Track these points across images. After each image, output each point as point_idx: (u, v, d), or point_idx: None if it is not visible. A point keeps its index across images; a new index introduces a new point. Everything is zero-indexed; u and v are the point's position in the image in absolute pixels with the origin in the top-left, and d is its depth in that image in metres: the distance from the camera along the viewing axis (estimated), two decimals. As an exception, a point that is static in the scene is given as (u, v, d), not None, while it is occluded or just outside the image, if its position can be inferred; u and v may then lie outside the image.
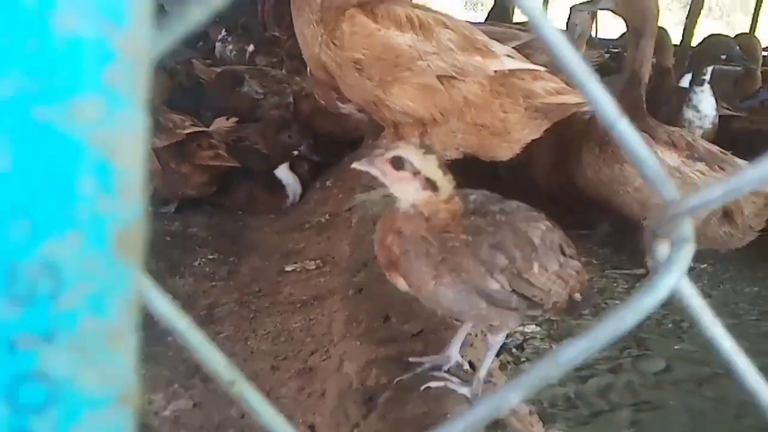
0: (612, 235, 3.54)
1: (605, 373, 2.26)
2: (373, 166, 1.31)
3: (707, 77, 3.64)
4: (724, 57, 3.76)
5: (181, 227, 3.42)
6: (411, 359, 1.52)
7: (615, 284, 3.01)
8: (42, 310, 0.26)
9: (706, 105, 3.70)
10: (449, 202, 1.34)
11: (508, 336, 2.42)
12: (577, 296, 1.51)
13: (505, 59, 2.22)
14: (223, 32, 6.27)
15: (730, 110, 4.18)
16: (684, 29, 6.70)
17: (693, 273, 3.14)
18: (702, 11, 7.14)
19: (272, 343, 2.35)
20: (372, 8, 2.15)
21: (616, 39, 7.04)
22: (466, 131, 2.25)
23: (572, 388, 2.15)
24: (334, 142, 4.19)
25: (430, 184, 1.31)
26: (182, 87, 4.99)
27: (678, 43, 6.11)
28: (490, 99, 2.22)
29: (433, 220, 1.32)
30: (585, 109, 2.84)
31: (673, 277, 0.42)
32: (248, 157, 3.81)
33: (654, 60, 4.43)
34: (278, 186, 3.77)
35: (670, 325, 2.66)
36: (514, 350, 2.33)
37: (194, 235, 3.36)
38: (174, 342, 2.43)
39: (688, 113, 3.70)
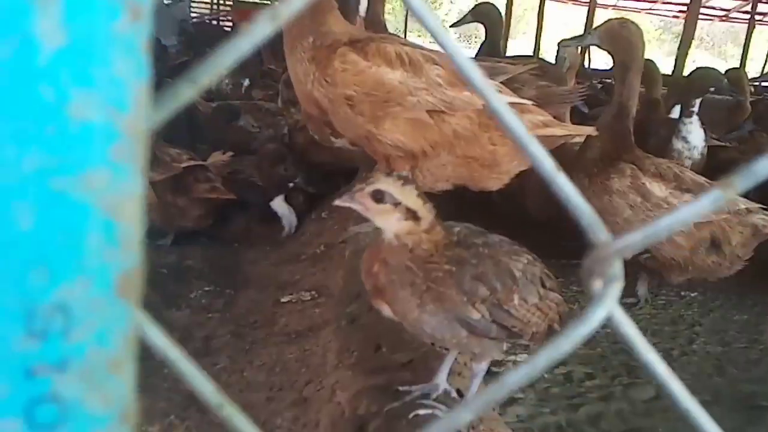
0: (603, 264, 3.58)
1: (596, 401, 2.30)
2: (354, 201, 1.36)
3: (696, 109, 3.72)
4: (712, 90, 3.84)
5: (177, 259, 3.46)
6: (400, 388, 1.55)
7: (606, 313, 3.04)
8: (55, 344, 0.31)
9: (695, 136, 3.77)
10: (431, 232, 1.39)
11: (499, 365, 2.47)
12: (556, 326, 1.56)
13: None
14: (219, 66, 6.32)
15: (718, 141, 4.26)
16: (675, 60, 6.82)
17: (683, 302, 3.19)
18: (693, 42, 7.27)
19: (268, 374, 2.38)
20: (363, 46, 2.22)
21: (608, 70, 7.17)
22: (456, 164, 2.31)
23: (563, 416, 2.19)
24: (330, 173, 4.24)
25: (411, 214, 1.35)
26: (179, 121, 5.06)
27: (670, 73, 6.23)
28: (479, 132, 2.27)
29: (417, 251, 1.37)
30: (574, 140, 2.92)
31: (605, 310, 0.48)
32: (244, 189, 3.86)
33: (643, 91, 4.53)
34: (274, 218, 3.82)
35: (660, 353, 2.67)
36: (492, 369, 2.37)
37: (191, 267, 3.40)
38: (170, 374, 2.46)
39: (678, 144, 3.77)
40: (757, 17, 13.64)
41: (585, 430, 2.13)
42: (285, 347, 2.51)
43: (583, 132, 2.60)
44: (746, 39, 10.94)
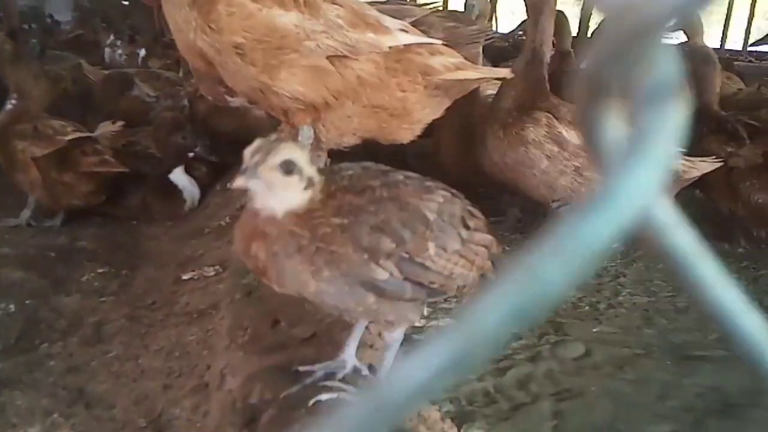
0: (522, 220, 3.47)
1: (524, 362, 2.15)
2: (257, 178, 1.09)
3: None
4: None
5: (67, 241, 3.16)
6: (300, 368, 1.32)
7: (529, 270, 2.91)
8: None
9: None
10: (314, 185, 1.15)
11: (421, 331, 2.29)
12: (491, 276, 1.32)
13: (400, 34, 2.08)
14: (112, 37, 5.96)
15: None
16: (580, 21, 6.80)
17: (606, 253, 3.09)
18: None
19: (165, 359, 2.15)
20: (250, -14, 1.97)
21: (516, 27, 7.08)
22: (363, 114, 2.09)
23: (491, 381, 2.03)
24: (235, 141, 3.97)
25: (310, 182, 1.13)
26: (68, 93, 4.68)
27: (575, 35, 6.16)
28: (386, 78, 2.07)
29: (300, 210, 1.13)
30: (486, 84, 2.75)
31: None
32: (140, 162, 3.57)
33: (554, 44, 4.41)
34: (174, 191, 3.53)
35: (586, 308, 2.58)
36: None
37: (83, 249, 3.11)
38: (56, 367, 2.19)
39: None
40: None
41: (514, 395, 1.97)
42: (185, 328, 2.27)
43: (497, 75, 2.43)
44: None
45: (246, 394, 1.28)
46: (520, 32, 5.76)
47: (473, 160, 3.00)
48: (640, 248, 3.25)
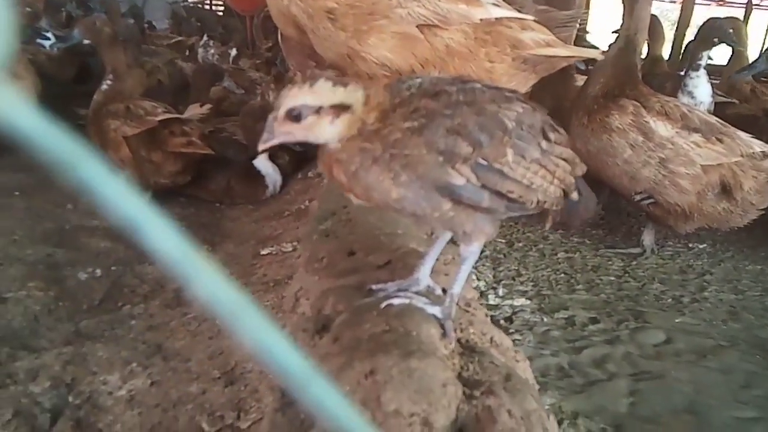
0: (604, 217, 3.40)
1: (601, 344, 2.10)
2: (276, 134, 1.13)
3: (703, 62, 3.49)
4: (716, 41, 3.61)
5: (154, 217, 3.26)
6: (374, 286, 1.31)
7: (610, 262, 2.85)
8: None
9: (701, 91, 3.53)
10: (369, 103, 1.15)
11: (496, 309, 2.26)
12: (574, 195, 1.28)
13: (491, 7, 2.07)
14: (205, 37, 6.16)
15: (725, 98, 4.04)
16: (672, 44, 6.67)
17: (691, 252, 3.00)
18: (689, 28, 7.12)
19: (241, 320, 2.18)
20: (345, -47, 2.00)
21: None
22: (450, 83, 2.09)
23: (565, 358, 1.99)
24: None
25: (341, 108, 1.13)
26: (161, 85, 4.88)
27: (666, 58, 6.05)
28: (475, 48, 2.05)
29: (365, 131, 1.14)
30: (575, 61, 2.71)
31: None
32: (226, 147, 3.66)
33: (647, 48, 4.32)
34: (257, 176, 3.60)
35: (669, 300, 2.50)
36: (502, 322, 2.17)
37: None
38: (137, 326, 2.26)
39: (684, 99, 3.54)
40: (754, 2, 13.43)
41: (589, 372, 1.92)
42: (262, 295, 2.30)
43: (587, 54, 2.38)
44: (744, 24, 10.74)
45: (319, 308, 1.28)
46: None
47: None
48: (728, 250, 3.14)
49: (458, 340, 1.07)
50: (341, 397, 0.43)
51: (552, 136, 1.25)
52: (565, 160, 1.27)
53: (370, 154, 1.12)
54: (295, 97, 1.12)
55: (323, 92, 1.12)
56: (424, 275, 1.31)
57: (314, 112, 1.12)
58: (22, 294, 2.29)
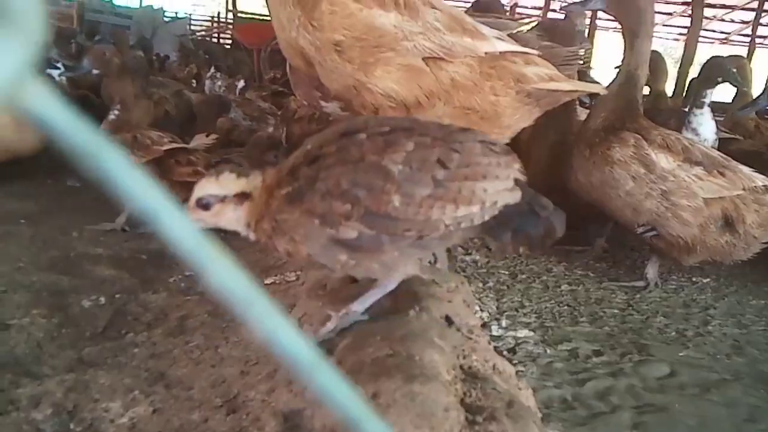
0: (608, 250, 3.40)
1: (604, 376, 2.09)
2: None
3: (707, 100, 3.52)
4: (720, 80, 3.64)
5: (158, 246, 3.27)
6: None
7: (613, 295, 2.85)
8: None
9: (705, 128, 3.56)
10: (264, 184, 1.30)
11: (499, 340, 2.26)
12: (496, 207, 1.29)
13: (496, 41, 2.10)
14: (213, 69, 6.24)
15: (729, 134, 4.07)
16: (676, 82, 6.73)
17: (695, 287, 2.99)
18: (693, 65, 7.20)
19: (244, 349, 2.18)
20: (353, -14, 2.04)
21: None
22: (454, 115, 2.10)
23: (568, 390, 1.98)
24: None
25: (243, 196, 1.28)
26: (169, 115, 4.92)
27: (670, 95, 6.12)
28: (479, 81, 2.08)
29: (262, 208, 1.29)
30: (578, 96, 2.73)
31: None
32: (231, 177, 3.69)
33: (649, 84, 4.35)
34: (262, 207, 3.62)
35: (673, 333, 2.49)
36: (506, 353, 2.16)
37: (172, 254, 3.21)
38: (140, 353, 2.26)
39: (688, 136, 3.57)
40: (757, 40, 13.57)
41: (592, 404, 1.91)
42: (265, 324, 2.30)
43: (590, 89, 2.41)
44: (747, 62, 10.85)
45: (322, 333, 1.30)
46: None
47: (560, 179, 2.98)
48: (731, 285, 3.14)
49: (461, 367, 1.07)
50: (346, 385, 0.45)
51: (452, 163, 1.26)
52: (473, 180, 1.27)
53: (265, 226, 1.29)
54: (203, 187, 1.29)
55: (228, 183, 1.28)
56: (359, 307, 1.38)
57: (220, 200, 1.27)
58: (26, 321, 2.30)
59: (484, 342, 1.18)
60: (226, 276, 0.41)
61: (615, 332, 2.44)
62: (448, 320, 1.26)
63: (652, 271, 2.97)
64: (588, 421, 1.82)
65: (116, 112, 3.43)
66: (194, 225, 0.37)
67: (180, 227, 0.39)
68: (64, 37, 5.68)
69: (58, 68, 4.57)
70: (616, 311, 2.66)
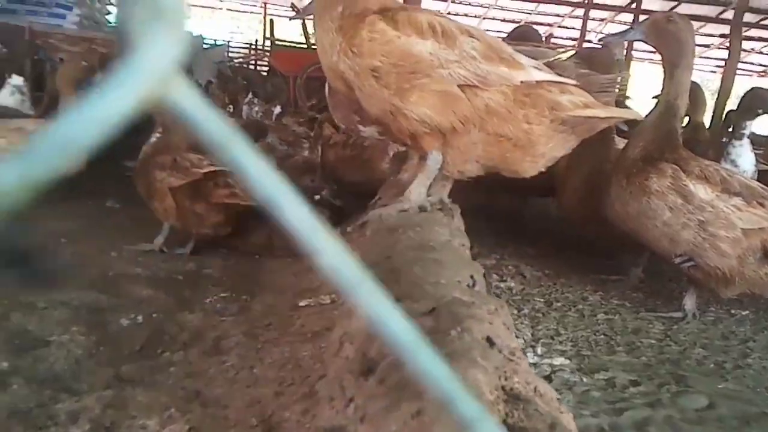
0: (644, 280, 3.37)
1: (642, 407, 2.06)
2: None
3: (747, 131, 3.49)
4: (760, 111, 3.61)
5: (195, 267, 3.32)
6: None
7: (650, 325, 2.81)
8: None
9: (744, 159, 3.53)
10: None
11: (535, 367, 2.24)
12: None
13: (532, 70, 2.12)
14: (250, 95, 6.34)
15: (768, 166, 4.02)
16: (713, 114, 6.67)
17: (734, 319, 2.95)
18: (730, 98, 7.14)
19: (279, 370, 2.19)
20: (393, 15, 2.08)
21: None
22: (488, 142, 2.12)
23: (606, 419, 1.96)
24: (359, 191, 4.10)
25: None
26: (206, 140, 4.99)
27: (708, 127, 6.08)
28: (514, 109, 2.10)
29: None
30: (614, 123, 2.72)
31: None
32: (268, 200, 3.72)
33: (688, 114, 4.32)
34: (297, 230, 3.65)
35: (711, 365, 2.45)
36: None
37: (208, 275, 3.25)
38: (176, 372, 2.28)
39: (727, 167, 3.54)
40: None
41: (630, 435, 1.89)
42: (299, 345, 2.31)
43: (626, 116, 2.41)
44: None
45: (364, 351, 1.30)
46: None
47: (597, 208, 2.97)
48: (771, 318, 3.09)
49: (502, 388, 1.07)
50: (446, 367, 0.50)
51: None
52: None
53: None
54: None
55: None
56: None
57: None
58: (65, 338, 2.33)
59: (525, 365, 1.18)
60: (336, 258, 0.45)
61: (652, 362, 2.41)
62: (490, 341, 1.25)
63: (690, 302, 2.94)
64: (626, 451, 1.79)
65: (158, 135, 3.50)
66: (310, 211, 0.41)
67: (298, 213, 0.43)
68: (109, 60, 5.81)
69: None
70: (653, 341, 2.62)
